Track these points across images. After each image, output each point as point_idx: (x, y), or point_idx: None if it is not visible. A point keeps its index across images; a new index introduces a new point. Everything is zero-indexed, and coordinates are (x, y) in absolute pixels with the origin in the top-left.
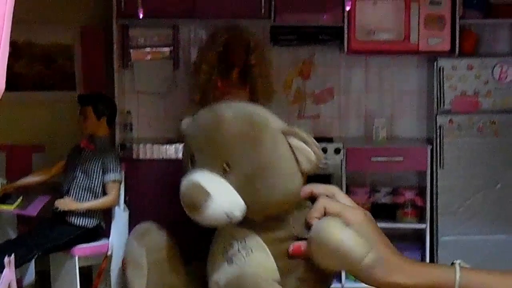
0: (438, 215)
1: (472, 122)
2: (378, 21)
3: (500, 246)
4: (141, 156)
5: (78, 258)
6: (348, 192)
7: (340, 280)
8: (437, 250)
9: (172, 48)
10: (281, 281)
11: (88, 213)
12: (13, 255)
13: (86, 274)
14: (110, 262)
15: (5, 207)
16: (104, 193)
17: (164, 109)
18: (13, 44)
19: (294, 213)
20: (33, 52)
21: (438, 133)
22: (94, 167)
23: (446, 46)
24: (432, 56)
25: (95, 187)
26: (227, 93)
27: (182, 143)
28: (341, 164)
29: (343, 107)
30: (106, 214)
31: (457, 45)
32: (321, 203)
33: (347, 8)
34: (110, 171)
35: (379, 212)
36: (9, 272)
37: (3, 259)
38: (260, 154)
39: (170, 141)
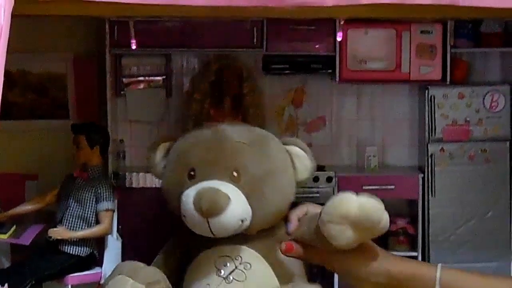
0: (430, 243)
1: (463, 150)
2: (370, 50)
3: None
4: (134, 185)
5: (71, 286)
6: None
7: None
8: None
9: (164, 77)
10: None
11: (81, 242)
12: (6, 285)
13: None
14: None
15: None
16: (97, 221)
17: (157, 137)
18: (7, 73)
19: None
20: (27, 81)
21: (429, 162)
22: (87, 196)
23: (437, 75)
24: (423, 85)
25: (88, 216)
26: (220, 122)
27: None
28: (333, 192)
29: (335, 136)
30: (99, 243)
31: (448, 74)
32: (303, 206)
33: (339, 38)
34: (103, 200)
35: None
36: None
37: None
38: (267, 159)
39: None
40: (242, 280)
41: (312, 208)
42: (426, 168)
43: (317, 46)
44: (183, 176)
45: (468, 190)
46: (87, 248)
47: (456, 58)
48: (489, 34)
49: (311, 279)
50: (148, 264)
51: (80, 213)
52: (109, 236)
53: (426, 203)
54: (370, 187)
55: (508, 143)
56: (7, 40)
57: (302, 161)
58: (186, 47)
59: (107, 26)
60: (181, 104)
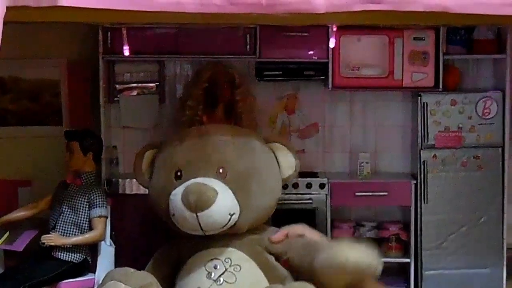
0: (423, 250)
1: (456, 157)
2: (362, 57)
3: (484, 280)
4: (127, 191)
5: None
6: (332, 227)
7: None
8: (421, 284)
9: (158, 83)
10: None
11: (74, 248)
12: None
13: None
14: None
15: None
16: (91, 228)
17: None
18: (0, 80)
19: (264, 228)
20: (20, 87)
21: (422, 168)
22: (81, 202)
23: (430, 82)
24: (416, 92)
25: (81, 222)
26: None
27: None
28: (326, 199)
29: (327, 142)
30: (92, 249)
31: (441, 81)
32: (301, 227)
33: (332, 45)
34: (96, 206)
35: None
36: None
37: None
38: (252, 156)
39: None
40: (232, 282)
41: (308, 233)
42: (418, 174)
43: (310, 53)
44: (170, 178)
45: (460, 196)
46: (80, 255)
47: (448, 65)
48: (482, 41)
49: None
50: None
51: (73, 220)
52: (102, 242)
53: (418, 209)
54: (363, 194)
55: (500, 149)
56: None
57: (286, 158)
58: (179, 53)
59: (100, 33)
60: (174, 110)
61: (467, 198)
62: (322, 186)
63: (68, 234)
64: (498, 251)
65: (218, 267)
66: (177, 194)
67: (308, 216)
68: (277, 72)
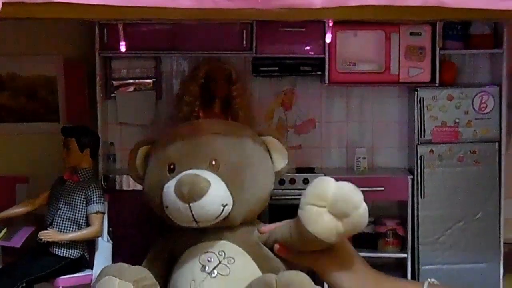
0: (419, 245)
1: (452, 152)
2: (359, 52)
3: (481, 275)
4: (124, 187)
5: None
6: None
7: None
8: (418, 279)
9: (154, 79)
10: None
11: (71, 244)
12: None
13: None
14: None
15: None
16: (88, 224)
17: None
18: None
19: (258, 222)
20: (17, 84)
21: (419, 163)
22: (78, 198)
23: (427, 77)
24: (412, 87)
25: (78, 218)
26: None
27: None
28: None
29: (324, 138)
30: (90, 245)
31: (437, 76)
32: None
33: (328, 40)
34: (94, 203)
35: (361, 241)
36: None
37: None
38: (244, 148)
39: None
40: (226, 274)
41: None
42: (415, 169)
43: (306, 48)
44: (163, 171)
45: (457, 191)
46: (78, 251)
47: (445, 59)
48: (478, 36)
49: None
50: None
51: (71, 216)
52: (100, 238)
53: (415, 204)
54: (360, 189)
55: (497, 144)
56: None
57: (279, 151)
58: (176, 49)
59: (96, 29)
60: (171, 106)
61: (464, 193)
62: None
63: (65, 230)
64: (495, 246)
65: (212, 260)
66: (170, 187)
67: None
68: (273, 68)
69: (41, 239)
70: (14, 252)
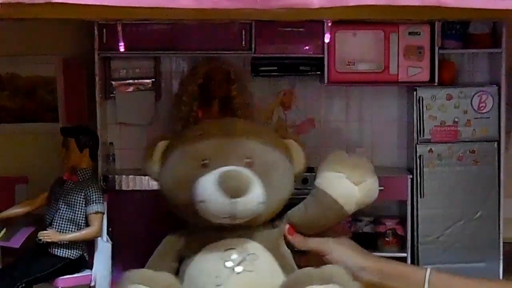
0: (419, 244)
1: (451, 151)
2: (358, 52)
3: (480, 274)
4: (124, 187)
5: None
6: None
7: None
8: None
9: (153, 79)
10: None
11: (71, 245)
12: None
13: None
14: None
15: None
16: (87, 224)
17: (147, 140)
18: None
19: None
20: (16, 84)
21: (418, 163)
22: (77, 198)
23: (426, 76)
24: (411, 86)
25: (78, 219)
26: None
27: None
28: None
29: (324, 137)
30: (89, 245)
31: (436, 75)
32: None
33: (327, 40)
34: (93, 203)
35: (360, 241)
36: None
37: None
38: (272, 148)
39: None
40: (252, 270)
41: None
42: (414, 169)
43: (305, 48)
44: (194, 166)
45: (456, 191)
46: (77, 251)
47: (444, 59)
48: (477, 35)
49: None
50: (141, 266)
51: (70, 216)
52: (99, 238)
53: (415, 204)
54: None
55: (496, 143)
56: None
57: (299, 154)
58: (175, 49)
59: (95, 29)
60: (171, 106)
61: (463, 192)
62: None
63: (64, 231)
64: (495, 245)
65: (236, 256)
66: (207, 181)
67: None
68: (272, 68)
69: (40, 240)
70: (14, 253)
